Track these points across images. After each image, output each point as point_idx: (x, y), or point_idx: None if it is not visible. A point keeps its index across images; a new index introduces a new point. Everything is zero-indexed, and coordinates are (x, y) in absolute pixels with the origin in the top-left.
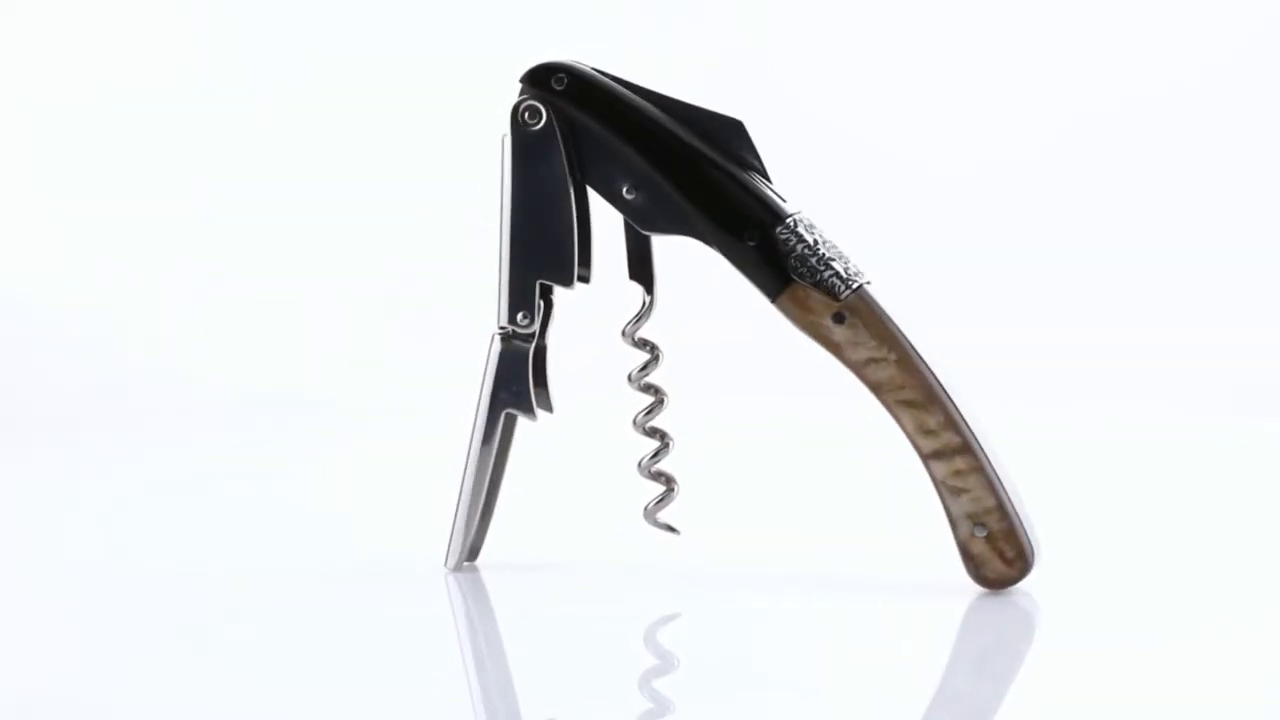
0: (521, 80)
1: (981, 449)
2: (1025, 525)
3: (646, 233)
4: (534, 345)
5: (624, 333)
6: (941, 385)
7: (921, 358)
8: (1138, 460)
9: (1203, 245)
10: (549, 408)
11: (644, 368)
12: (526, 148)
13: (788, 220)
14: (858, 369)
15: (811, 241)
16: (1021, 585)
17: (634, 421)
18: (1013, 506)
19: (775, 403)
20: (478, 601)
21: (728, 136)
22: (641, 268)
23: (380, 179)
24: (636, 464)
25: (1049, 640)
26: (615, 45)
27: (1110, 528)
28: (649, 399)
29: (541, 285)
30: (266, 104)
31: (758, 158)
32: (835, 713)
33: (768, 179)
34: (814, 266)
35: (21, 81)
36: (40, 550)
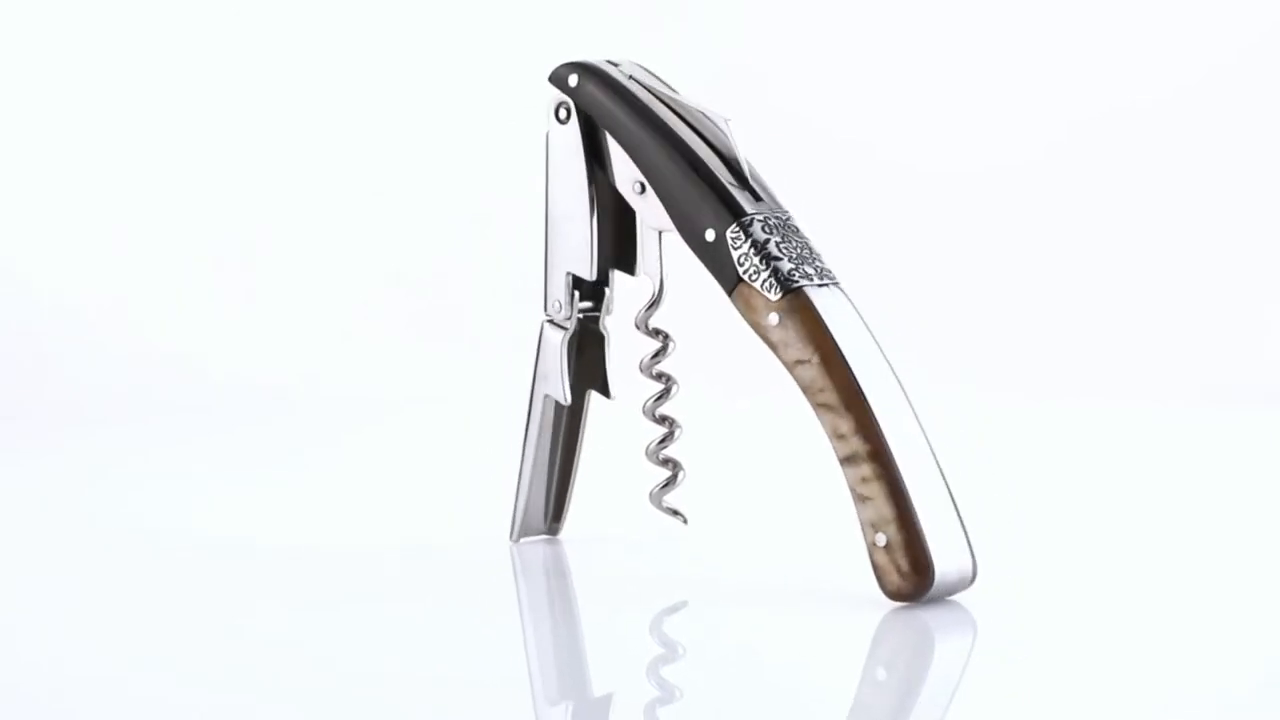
0: (549, 79)
1: (894, 459)
2: (946, 540)
3: (651, 228)
4: (570, 333)
5: (637, 321)
6: (862, 391)
7: (847, 362)
8: (1112, 460)
9: (1182, 245)
10: (606, 393)
11: (655, 355)
12: (557, 144)
13: (743, 219)
14: (790, 370)
15: (761, 241)
16: (958, 598)
17: (643, 408)
18: (918, 520)
19: (784, 394)
20: (479, 582)
21: (714, 133)
22: (652, 259)
23: (393, 171)
24: (644, 449)
25: (958, 655)
26: (608, 45)
27: (1072, 533)
28: (659, 386)
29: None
30: (278, 96)
31: (737, 155)
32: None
33: (741, 177)
34: (757, 266)
35: (31, 74)
36: (105, 538)
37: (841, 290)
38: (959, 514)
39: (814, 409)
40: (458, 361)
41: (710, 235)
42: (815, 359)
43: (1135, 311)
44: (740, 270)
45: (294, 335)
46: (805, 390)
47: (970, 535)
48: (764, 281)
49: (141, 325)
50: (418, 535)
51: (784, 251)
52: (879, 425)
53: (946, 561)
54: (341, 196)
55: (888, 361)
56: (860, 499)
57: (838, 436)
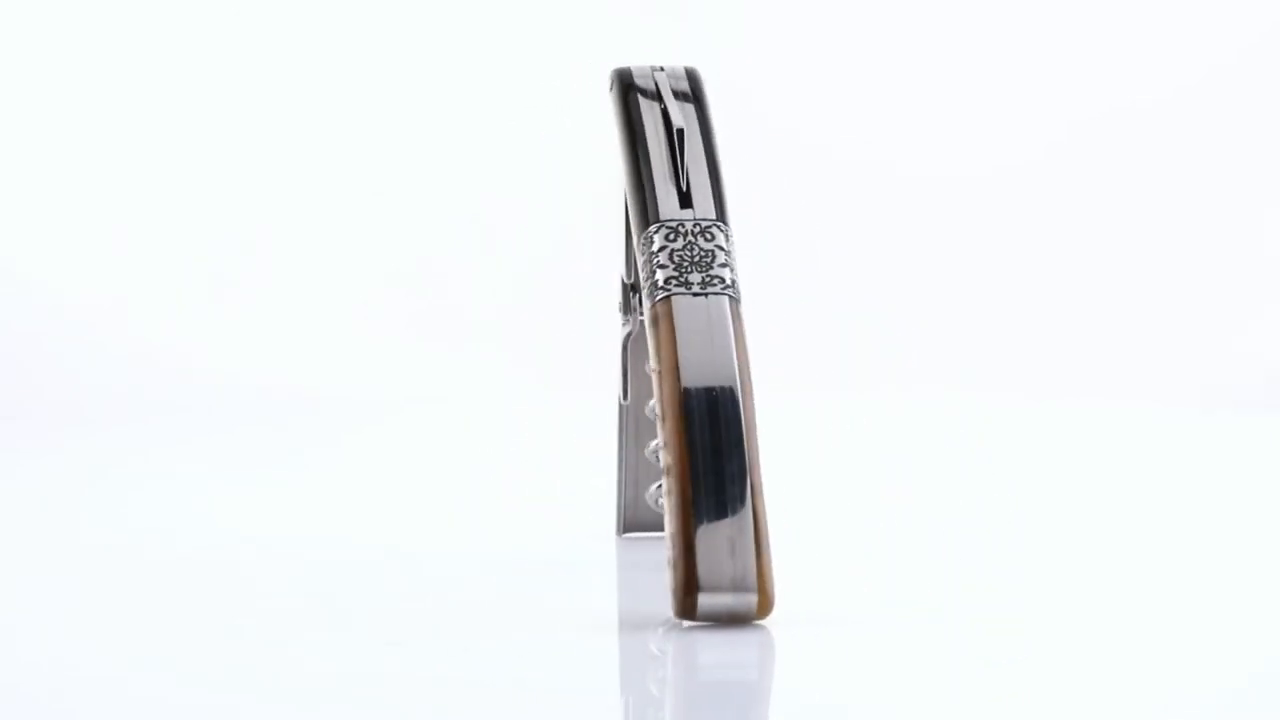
0: None
1: (693, 477)
2: (728, 567)
3: None
4: (629, 333)
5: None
6: (686, 406)
7: (680, 375)
8: (1108, 462)
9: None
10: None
11: None
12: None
13: (654, 225)
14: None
15: (658, 249)
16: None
17: (646, 407)
18: (694, 540)
19: (786, 395)
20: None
21: (675, 139)
22: None
23: (393, 171)
24: (645, 449)
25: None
26: (607, 46)
27: (1056, 538)
28: None
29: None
30: (278, 97)
31: (683, 162)
32: None
33: (679, 183)
34: (648, 272)
35: (31, 74)
36: (105, 538)
37: (729, 300)
38: (759, 543)
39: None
40: (458, 361)
41: (636, 241)
42: (660, 368)
43: (1135, 312)
44: (642, 276)
45: (293, 336)
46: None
47: (770, 566)
48: (648, 288)
49: (141, 325)
50: (417, 535)
51: (675, 259)
52: (689, 442)
53: (720, 586)
54: (341, 197)
55: (740, 379)
56: (665, 511)
57: (663, 446)
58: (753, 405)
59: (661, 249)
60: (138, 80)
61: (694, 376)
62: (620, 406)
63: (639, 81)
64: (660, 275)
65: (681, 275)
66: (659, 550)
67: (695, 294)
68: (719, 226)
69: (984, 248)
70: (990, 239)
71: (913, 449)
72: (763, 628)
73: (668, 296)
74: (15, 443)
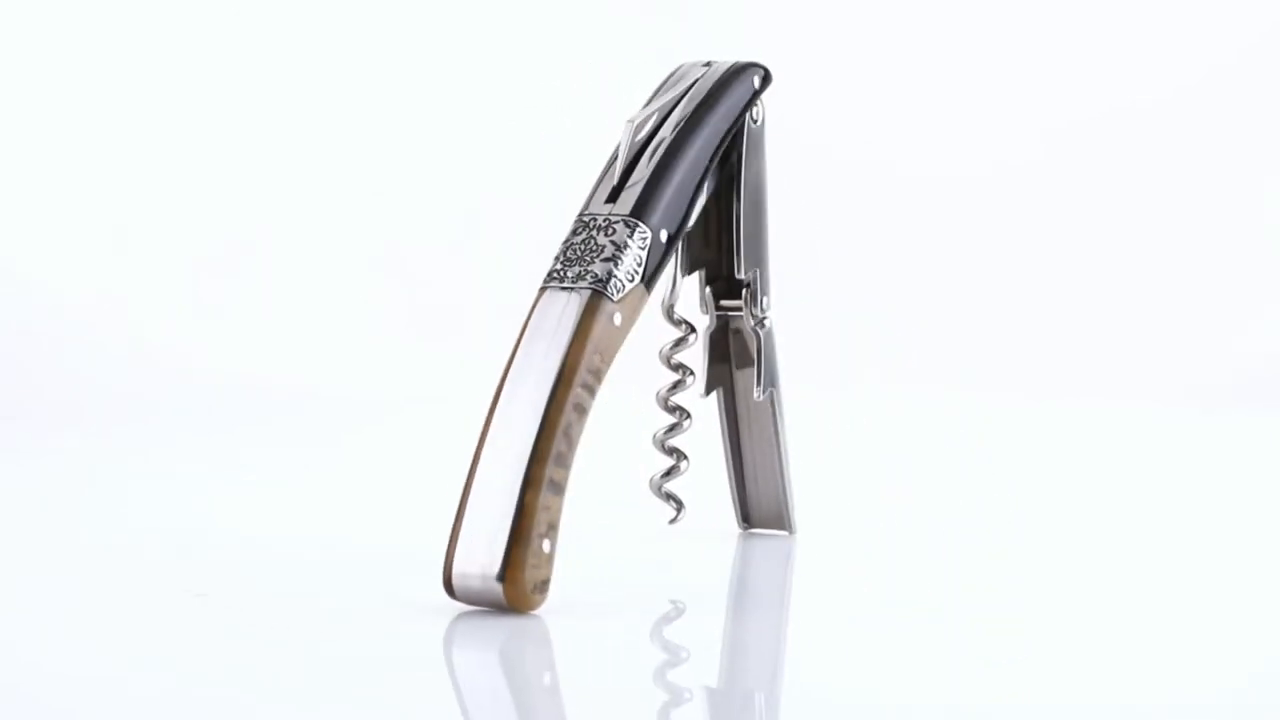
0: None
1: (477, 466)
2: (482, 554)
3: None
4: (709, 328)
5: (663, 310)
6: (499, 396)
7: (510, 365)
8: (1106, 462)
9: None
10: (752, 391)
11: (675, 345)
12: None
13: (575, 219)
14: None
15: (563, 241)
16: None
17: (657, 395)
18: (459, 523)
19: (792, 392)
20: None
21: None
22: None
23: (392, 171)
24: (652, 437)
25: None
26: (607, 46)
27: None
28: (675, 376)
29: (709, 276)
30: (278, 96)
31: (628, 158)
32: None
33: (623, 177)
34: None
35: (31, 74)
36: (105, 538)
37: (594, 294)
38: (520, 535)
39: None
40: (458, 361)
41: None
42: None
43: (1135, 312)
44: None
45: (294, 335)
46: None
47: (526, 559)
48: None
49: (141, 325)
50: (417, 535)
51: (568, 253)
52: (488, 431)
53: (472, 572)
54: (341, 196)
55: (561, 374)
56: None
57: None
58: (569, 401)
59: (566, 242)
60: (137, 80)
61: (518, 368)
62: (722, 403)
63: (673, 76)
64: (551, 267)
65: (563, 269)
66: (670, 550)
67: (564, 288)
68: (628, 222)
69: (984, 248)
70: (990, 239)
71: (912, 448)
72: (760, 626)
73: (543, 289)
74: (15, 443)
